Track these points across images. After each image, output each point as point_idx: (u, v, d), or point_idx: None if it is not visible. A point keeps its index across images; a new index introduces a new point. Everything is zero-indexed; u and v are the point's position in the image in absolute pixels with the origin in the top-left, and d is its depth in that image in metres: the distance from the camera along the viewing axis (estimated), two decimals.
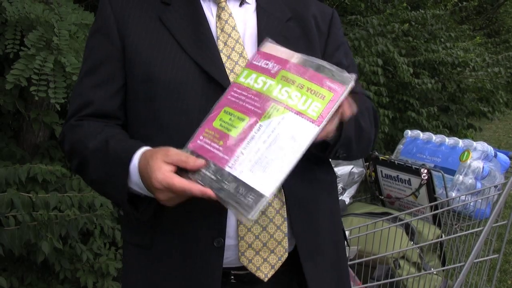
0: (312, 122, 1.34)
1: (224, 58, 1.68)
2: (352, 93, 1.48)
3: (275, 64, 1.48)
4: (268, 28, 1.76)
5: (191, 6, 1.75)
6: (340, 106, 1.40)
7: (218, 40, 1.71)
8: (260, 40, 1.72)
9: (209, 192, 1.38)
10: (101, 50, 1.74)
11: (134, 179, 1.54)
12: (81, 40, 3.25)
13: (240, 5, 1.79)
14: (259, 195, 1.30)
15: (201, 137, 1.47)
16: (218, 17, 1.74)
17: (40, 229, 3.27)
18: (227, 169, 1.38)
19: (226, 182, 1.36)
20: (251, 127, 1.40)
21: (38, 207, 3.20)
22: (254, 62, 1.53)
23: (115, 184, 1.58)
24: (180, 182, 1.42)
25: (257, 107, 1.43)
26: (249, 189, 1.32)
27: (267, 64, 1.49)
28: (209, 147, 1.44)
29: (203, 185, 1.40)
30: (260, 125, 1.39)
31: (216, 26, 1.73)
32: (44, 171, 3.26)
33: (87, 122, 1.69)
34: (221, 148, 1.42)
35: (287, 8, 1.84)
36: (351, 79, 1.36)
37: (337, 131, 1.55)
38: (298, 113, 1.36)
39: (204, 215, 1.62)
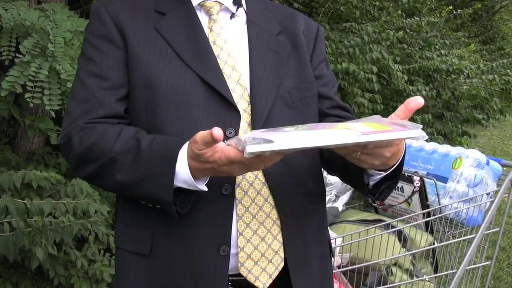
0: (359, 132, 1.36)
1: None
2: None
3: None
4: (259, 42, 1.77)
5: (186, 17, 1.75)
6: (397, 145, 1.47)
7: None
8: (252, 54, 1.74)
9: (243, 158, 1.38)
10: (108, 55, 1.71)
11: (181, 177, 1.51)
12: (76, 47, 3.26)
13: (231, 17, 1.80)
14: (268, 141, 1.32)
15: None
16: (210, 29, 1.75)
17: (34, 236, 3.27)
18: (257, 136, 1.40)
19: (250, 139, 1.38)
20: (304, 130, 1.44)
21: (33, 213, 3.20)
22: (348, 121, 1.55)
23: (156, 184, 1.54)
24: (234, 151, 1.40)
25: (324, 126, 1.47)
26: (262, 138, 1.35)
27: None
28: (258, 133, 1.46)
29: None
30: (313, 129, 1.43)
31: (208, 39, 1.73)
32: (39, 178, 3.26)
33: (100, 124, 1.65)
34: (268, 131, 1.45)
35: (277, 22, 1.85)
36: (418, 127, 1.38)
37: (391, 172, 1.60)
38: (352, 130, 1.39)
39: (209, 223, 1.64)
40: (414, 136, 1.36)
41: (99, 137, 1.62)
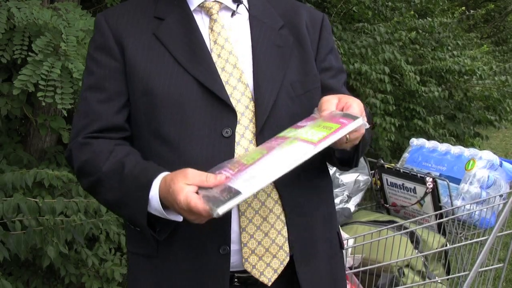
0: (312, 144, 1.45)
1: (218, 70, 1.71)
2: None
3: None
4: (262, 37, 1.79)
5: (184, 20, 1.77)
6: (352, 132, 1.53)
7: (212, 53, 1.73)
8: (255, 50, 1.76)
9: (207, 211, 1.43)
10: (105, 66, 1.76)
11: (153, 206, 1.57)
12: (88, 46, 3.27)
13: (232, 15, 1.81)
14: (236, 193, 1.37)
15: (226, 169, 1.53)
16: (211, 29, 1.76)
17: (46, 234, 3.28)
18: (228, 183, 1.45)
19: (218, 192, 1.44)
20: (263, 156, 1.49)
21: (44, 212, 3.22)
22: (298, 123, 1.64)
23: (133, 209, 1.61)
24: (195, 203, 1.45)
25: (278, 143, 1.53)
26: (230, 190, 1.39)
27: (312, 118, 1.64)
28: (223, 172, 1.51)
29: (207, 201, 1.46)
30: (271, 153, 1.48)
31: (209, 39, 1.75)
32: (50, 176, 3.27)
33: (96, 141, 1.71)
34: (232, 172, 1.49)
35: (279, 16, 1.86)
36: (360, 117, 1.50)
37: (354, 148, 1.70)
38: (304, 140, 1.48)
39: (209, 224, 1.63)
40: (359, 126, 1.50)
41: (92, 155, 1.69)
